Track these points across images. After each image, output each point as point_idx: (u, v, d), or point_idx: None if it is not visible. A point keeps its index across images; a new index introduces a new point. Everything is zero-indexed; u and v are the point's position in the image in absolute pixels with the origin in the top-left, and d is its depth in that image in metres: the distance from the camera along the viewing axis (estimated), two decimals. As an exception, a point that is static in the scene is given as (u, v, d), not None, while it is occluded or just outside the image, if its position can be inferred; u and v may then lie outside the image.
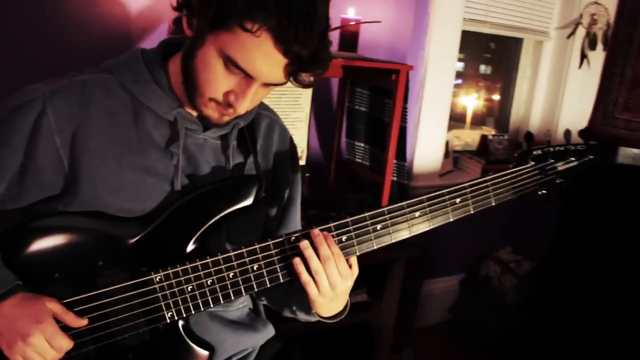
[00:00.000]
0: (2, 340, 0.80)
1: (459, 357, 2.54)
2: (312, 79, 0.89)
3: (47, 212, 0.89)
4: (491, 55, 2.98)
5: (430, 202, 0.97)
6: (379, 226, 0.94)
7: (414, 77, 2.26)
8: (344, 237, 0.92)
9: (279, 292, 1.08)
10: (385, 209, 0.94)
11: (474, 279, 2.81)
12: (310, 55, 0.81)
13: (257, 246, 0.90)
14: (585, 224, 2.69)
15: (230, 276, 0.89)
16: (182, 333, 0.91)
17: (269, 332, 1.12)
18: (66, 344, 0.81)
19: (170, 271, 0.88)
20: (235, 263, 0.89)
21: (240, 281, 0.90)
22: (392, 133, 1.80)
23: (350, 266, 0.92)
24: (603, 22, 2.69)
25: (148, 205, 0.91)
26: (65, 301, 0.85)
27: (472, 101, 2.88)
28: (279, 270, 0.91)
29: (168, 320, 0.89)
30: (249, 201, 0.92)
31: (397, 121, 1.80)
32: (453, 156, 2.69)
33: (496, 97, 3.01)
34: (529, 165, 1.07)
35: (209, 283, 0.89)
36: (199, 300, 0.89)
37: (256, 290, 0.91)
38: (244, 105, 0.87)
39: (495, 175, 1.03)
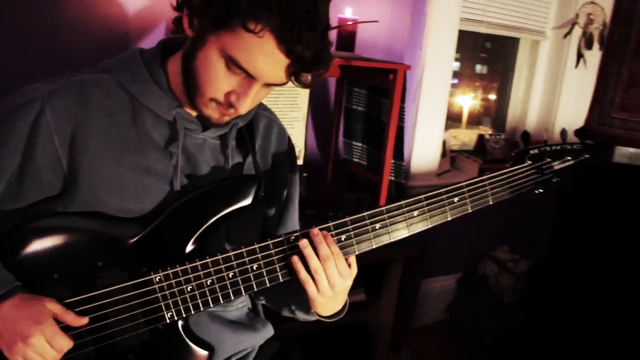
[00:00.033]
0: (2, 342, 0.80)
1: (456, 356, 2.55)
2: (313, 79, 0.90)
3: (46, 213, 0.89)
4: (487, 55, 2.98)
5: (429, 201, 0.97)
6: (377, 225, 0.94)
7: (411, 77, 2.26)
8: (343, 237, 0.93)
9: (278, 292, 1.08)
10: (384, 208, 0.94)
11: (471, 278, 2.82)
12: (313, 55, 0.82)
13: (256, 246, 0.90)
14: (581, 223, 2.70)
15: (230, 276, 0.90)
16: (182, 333, 0.91)
17: (268, 331, 1.12)
18: (66, 344, 0.81)
19: (170, 271, 0.88)
20: (234, 263, 0.89)
21: (239, 281, 0.90)
22: (389, 133, 1.81)
23: (349, 265, 0.93)
24: (599, 22, 2.70)
25: (147, 206, 0.91)
26: (64, 302, 0.85)
27: (468, 101, 2.88)
28: (278, 270, 0.91)
29: (168, 321, 0.89)
30: (248, 201, 0.93)
31: (395, 121, 1.81)
32: (450, 156, 2.69)
33: (492, 96, 3.01)
34: (526, 164, 1.08)
35: (208, 283, 0.89)
36: (199, 301, 0.89)
37: (256, 290, 0.91)
38: (246, 106, 0.87)
39: (492, 175, 1.04)
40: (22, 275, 0.84)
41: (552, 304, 2.49)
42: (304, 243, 0.89)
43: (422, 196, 0.97)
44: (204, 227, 0.91)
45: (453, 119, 2.85)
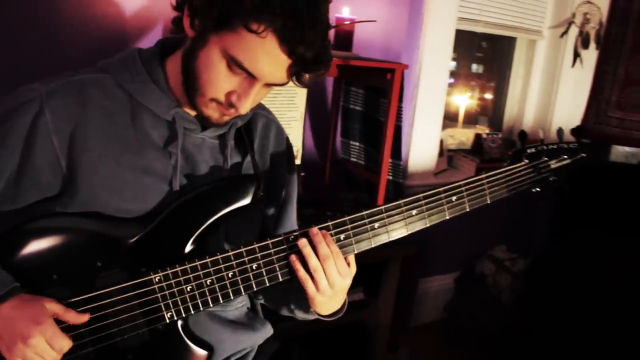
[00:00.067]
0: (1, 343, 0.80)
1: (454, 355, 2.55)
2: (313, 79, 0.90)
3: (45, 213, 0.89)
4: (483, 55, 2.99)
5: (427, 200, 0.98)
6: (376, 224, 0.94)
7: (408, 76, 2.26)
8: (342, 236, 0.93)
9: (277, 291, 1.08)
10: (382, 207, 0.95)
11: (469, 277, 2.82)
12: (314, 56, 0.82)
13: (255, 246, 0.90)
14: (579, 222, 2.71)
15: (230, 276, 0.90)
16: (182, 333, 0.91)
17: (267, 331, 1.12)
18: (66, 344, 0.81)
19: (169, 271, 0.88)
20: (234, 263, 0.89)
21: (239, 281, 0.90)
22: (387, 132, 1.81)
23: (348, 264, 0.93)
24: (596, 21, 2.71)
25: (146, 206, 0.91)
26: (64, 302, 0.85)
27: (465, 100, 2.89)
28: (278, 270, 0.91)
29: (167, 321, 0.89)
30: (247, 201, 0.93)
31: (393, 120, 1.81)
32: (447, 155, 2.70)
33: (489, 96, 3.02)
34: (523, 163, 1.08)
35: (208, 283, 0.89)
36: (199, 300, 0.89)
37: (255, 289, 0.91)
38: (247, 106, 0.87)
39: (490, 174, 1.04)
40: (21, 276, 0.84)
41: (550, 303, 2.49)
42: (302, 242, 0.89)
43: (421, 195, 0.97)
44: (203, 227, 0.91)
45: (449, 119, 2.85)
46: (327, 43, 0.85)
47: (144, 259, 0.89)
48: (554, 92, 2.81)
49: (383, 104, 1.89)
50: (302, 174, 1.97)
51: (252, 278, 0.90)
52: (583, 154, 1.14)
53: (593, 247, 2.47)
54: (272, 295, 1.14)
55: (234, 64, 0.83)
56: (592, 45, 2.75)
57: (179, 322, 0.90)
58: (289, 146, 1.14)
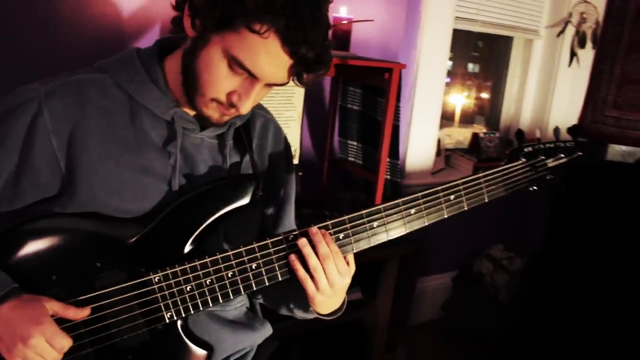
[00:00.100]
0: (1, 344, 0.79)
1: (452, 354, 2.56)
2: (314, 79, 0.90)
3: (43, 214, 0.89)
4: (479, 54, 3.00)
5: (425, 199, 0.98)
6: (375, 224, 0.95)
7: (405, 76, 2.27)
8: (341, 235, 0.93)
9: (276, 291, 1.09)
10: (381, 206, 0.95)
11: (466, 276, 2.83)
12: (316, 56, 0.82)
13: (255, 245, 0.90)
14: (575, 221, 2.72)
15: (229, 275, 0.90)
16: (181, 333, 0.91)
17: (266, 331, 1.12)
18: (67, 343, 0.81)
19: (169, 271, 0.88)
20: (233, 262, 0.90)
21: (239, 280, 0.90)
22: (385, 131, 1.81)
23: (347, 263, 0.93)
24: (592, 21, 2.72)
25: (146, 206, 0.91)
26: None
27: (461, 99, 2.90)
28: (277, 269, 0.91)
29: (167, 321, 0.89)
30: (246, 200, 0.93)
31: (390, 120, 1.81)
32: (445, 154, 2.70)
33: (485, 95, 3.03)
34: (520, 162, 1.09)
35: (207, 283, 0.89)
36: (198, 300, 0.89)
37: (255, 289, 0.91)
38: (248, 106, 0.87)
39: (487, 172, 1.05)
40: (20, 277, 0.84)
41: (547, 302, 2.50)
42: (302, 242, 0.89)
43: (419, 194, 0.98)
44: (203, 227, 0.91)
45: (446, 118, 2.86)
46: (327, 43, 0.85)
47: (144, 259, 0.89)
48: (551, 92, 2.81)
49: (381, 104, 1.89)
50: (300, 173, 1.97)
51: (251, 278, 0.90)
52: (580, 153, 1.15)
53: (590, 246, 2.48)
54: (271, 294, 1.14)
55: (235, 64, 0.83)
56: (589, 44, 2.76)
57: (179, 322, 0.90)
58: (287, 146, 1.14)
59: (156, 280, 0.88)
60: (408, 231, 0.97)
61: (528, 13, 2.70)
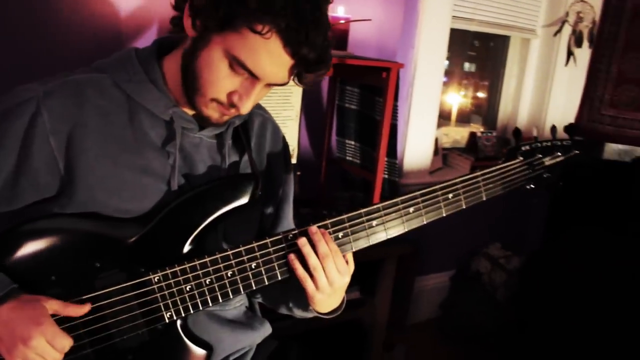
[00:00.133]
0: (1, 345, 0.79)
1: (450, 353, 2.56)
2: (316, 79, 0.90)
3: (42, 214, 0.88)
4: (475, 53, 3.00)
5: (424, 197, 0.98)
6: (374, 222, 0.95)
7: (403, 75, 2.27)
8: (340, 234, 0.93)
9: (276, 290, 1.09)
10: (380, 205, 0.95)
11: (464, 275, 2.83)
12: (317, 56, 0.83)
13: (254, 245, 0.90)
14: (573, 219, 2.73)
15: (229, 275, 0.90)
16: (181, 333, 0.91)
17: (266, 330, 1.12)
18: (68, 343, 0.81)
19: (168, 271, 0.88)
20: (233, 262, 0.90)
21: (238, 280, 0.90)
22: (383, 131, 1.81)
23: (346, 262, 0.93)
24: (589, 20, 2.73)
25: (145, 206, 0.91)
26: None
27: (457, 98, 2.90)
28: (277, 268, 0.91)
29: (167, 321, 0.89)
30: (245, 200, 0.93)
31: (388, 119, 1.81)
32: (442, 153, 2.71)
33: (481, 94, 3.03)
34: (517, 160, 1.09)
35: (207, 282, 0.89)
36: (198, 300, 0.89)
37: (254, 288, 0.91)
38: (248, 106, 0.87)
39: (485, 171, 1.05)
40: (19, 278, 0.83)
41: (544, 300, 2.51)
42: (302, 241, 0.89)
43: (418, 193, 0.98)
44: (202, 226, 0.91)
45: (442, 117, 2.86)
46: (328, 43, 0.85)
47: (143, 259, 0.89)
48: (548, 91, 2.82)
49: (378, 103, 1.90)
50: (298, 173, 1.97)
51: (251, 277, 0.90)
52: (576, 151, 1.16)
53: (587, 244, 2.49)
54: (270, 293, 1.14)
55: (236, 64, 0.83)
56: (585, 43, 2.77)
57: (179, 322, 0.90)
58: (285, 145, 1.14)
59: (156, 280, 0.88)
60: (407, 230, 0.98)
61: (525, 12, 2.70)
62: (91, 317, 0.86)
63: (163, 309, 0.88)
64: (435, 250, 2.68)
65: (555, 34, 2.71)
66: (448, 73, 2.86)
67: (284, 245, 0.91)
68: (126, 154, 0.89)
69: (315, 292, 0.91)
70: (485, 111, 3.06)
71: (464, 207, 1.02)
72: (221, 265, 0.89)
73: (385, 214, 0.95)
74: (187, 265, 0.88)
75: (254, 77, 0.85)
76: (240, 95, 0.87)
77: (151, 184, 0.91)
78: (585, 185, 2.47)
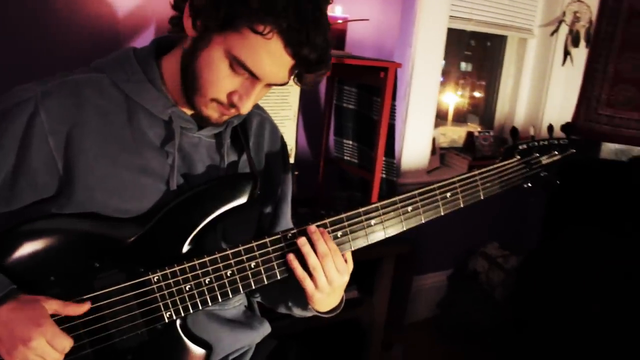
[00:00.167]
0: (1, 347, 0.78)
1: (447, 352, 2.57)
2: (316, 79, 0.91)
3: (41, 215, 0.88)
4: (471, 53, 3.01)
5: (422, 196, 0.99)
6: (373, 221, 0.95)
7: (401, 75, 2.27)
8: (339, 233, 0.93)
9: (275, 289, 1.09)
10: (378, 204, 0.95)
11: (462, 275, 2.84)
12: (317, 57, 0.83)
13: (254, 244, 0.90)
14: (570, 219, 2.74)
15: (228, 274, 0.90)
16: (180, 332, 0.91)
17: (265, 329, 1.12)
18: (68, 343, 0.80)
19: (168, 271, 0.88)
20: (232, 261, 0.90)
21: (238, 279, 0.90)
22: (381, 130, 1.82)
23: (345, 261, 0.93)
24: (585, 20, 2.74)
25: (144, 205, 0.91)
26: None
27: (454, 98, 2.91)
28: (276, 267, 0.91)
29: (167, 320, 0.89)
30: (243, 199, 0.93)
31: (386, 118, 1.82)
32: (440, 153, 2.71)
33: (478, 94, 3.04)
34: (515, 159, 1.10)
35: (206, 282, 0.89)
36: (197, 300, 0.89)
37: (254, 287, 0.91)
38: (248, 106, 0.88)
39: (483, 170, 1.06)
40: (18, 278, 0.83)
41: (542, 299, 2.52)
42: (302, 241, 0.89)
43: (416, 192, 0.98)
44: (201, 226, 0.91)
45: (439, 117, 2.87)
46: (328, 43, 0.86)
47: (142, 259, 0.89)
48: (545, 90, 2.83)
49: (376, 103, 1.90)
50: (296, 172, 1.97)
51: (250, 276, 0.91)
52: (573, 150, 1.16)
53: (584, 244, 2.49)
54: (269, 293, 1.14)
55: (237, 64, 0.83)
56: (582, 43, 2.78)
57: (178, 322, 0.90)
58: (284, 144, 1.15)
59: (155, 280, 0.88)
60: (405, 229, 0.98)
61: (522, 12, 2.71)
62: (91, 317, 0.86)
63: (162, 308, 0.88)
64: (433, 250, 2.68)
65: (552, 34, 2.72)
66: (444, 73, 2.87)
67: (283, 244, 0.91)
68: (125, 154, 0.89)
69: (314, 291, 0.91)
70: (483, 111, 3.06)
71: (461, 206, 1.03)
72: (220, 265, 0.89)
73: (384, 213, 0.96)
74: (186, 265, 0.88)
75: (254, 77, 0.85)
76: (240, 95, 0.87)
77: (150, 183, 0.91)
78: (583, 185, 2.48)
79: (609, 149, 2.83)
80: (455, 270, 2.87)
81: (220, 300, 0.90)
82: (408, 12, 2.23)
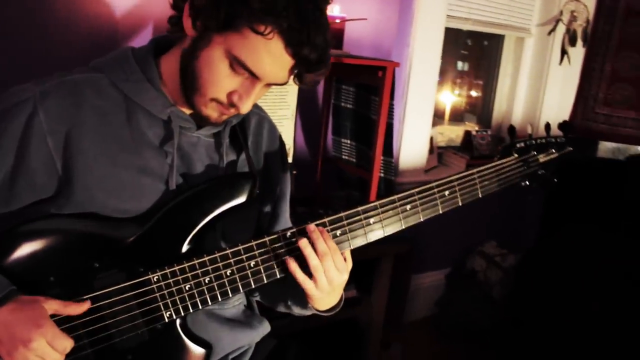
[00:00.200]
0: (2, 348, 0.78)
1: (446, 350, 2.57)
2: (316, 79, 0.91)
3: (40, 215, 0.88)
4: (468, 52, 3.01)
5: (421, 195, 0.99)
6: (371, 220, 0.95)
7: (398, 74, 2.27)
8: (338, 232, 0.94)
9: (274, 288, 1.09)
10: (377, 203, 0.96)
11: (460, 274, 2.84)
12: (318, 57, 0.83)
13: (253, 243, 0.90)
14: (567, 217, 2.74)
15: (228, 274, 0.90)
16: (180, 332, 0.91)
17: (265, 328, 1.12)
18: (69, 344, 0.80)
19: (167, 271, 0.88)
20: (232, 261, 0.90)
21: (237, 278, 0.90)
22: (379, 129, 1.82)
23: (344, 259, 0.94)
24: (582, 19, 2.75)
25: (143, 205, 0.90)
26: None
27: (450, 97, 2.91)
28: (275, 267, 0.92)
29: (167, 320, 0.89)
30: (243, 198, 0.93)
31: (384, 118, 1.82)
32: (437, 152, 2.72)
33: (474, 93, 3.04)
34: (512, 157, 1.10)
35: (206, 281, 0.89)
36: (197, 299, 0.89)
37: (253, 286, 0.91)
38: (248, 105, 0.88)
39: (481, 168, 1.06)
40: (17, 279, 0.83)
41: (540, 297, 2.52)
42: (303, 242, 0.89)
43: (414, 191, 0.98)
44: (200, 225, 0.91)
45: (436, 116, 2.87)
46: (327, 43, 0.86)
47: (142, 259, 0.89)
48: (542, 90, 2.84)
49: (374, 102, 1.90)
50: (294, 172, 1.97)
51: (250, 276, 0.91)
52: (570, 148, 1.17)
53: (581, 242, 2.50)
54: (269, 292, 1.14)
55: (237, 64, 0.83)
56: (579, 42, 2.78)
57: (178, 321, 0.90)
58: (282, 143, 1.15)
59: (155, 279, 0.88)
60: (404, 227, 0.98)
61: (519, 11, 2.72)
62: (90, 317, 0.85)
63: (162, 308, 0.88)
64: (431, 249, 2.69)
65: (550, 33, 2.73)
66: (441, 72, 2.87)
67: (282, 243, 0.91)
68: (124, 154, 0.89)
69: (314, 290, 0.91)
70: (480, 110, 3.07)
71: (460, 204, 1.03)
72: (220, 265, 0.89)
73: (383, 212, 0.96)
74: (186, 265, 0.88)
75: (254, 77, 0.85)
76: (240, 95, 0.87)
77: (149, 183, 0.91)
78: (580, 183, 2.49)
79: (606, 147, 2.84)
80: (454, 269, 2.87)
81: (220, 299, 0.90)
82: (406, 11, 2.24)
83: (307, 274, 0.90)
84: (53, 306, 0.82)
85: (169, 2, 0.91)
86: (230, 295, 0.91)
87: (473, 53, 3.01)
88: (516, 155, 1.11)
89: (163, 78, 0.93)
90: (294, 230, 0.92)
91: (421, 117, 2.42)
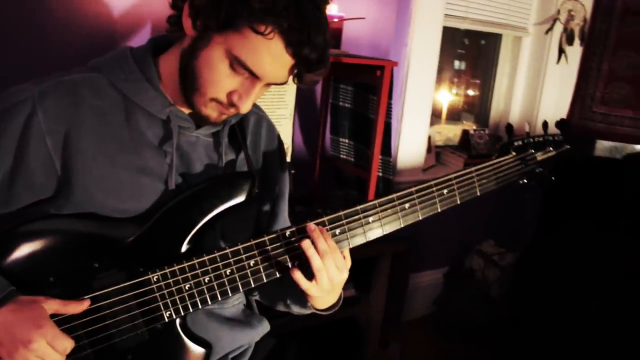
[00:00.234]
0: (2, 349, 0.78)
1: (444, 349, 2.58)
2: (315, 78, 0.91)
3: (39, 216, 0.88)
4: (465, 51, 3.02)
5: (419, 194, 0.99)
6: (370, 219, 0.95)
7: (396, 73, 2.28)
8: (337, 231, 0.94)
9: (273, 287, 1.09)
10: (376, 201, 0.96)
11: (458, 272, 2.85)
12: (318, 56, 0.83)
13: (252, 242, 0.90)
14: (565, 216, 2.75)
15: (227, 273, 0.90)
16: (180, 332, 0.91)
17: (264, 328, 1.12)
18: (69, 345, 0.80)
19: (167, 270, 0.88)
20: (231, 260, 0.90)
21: (237, 278, 0.90)
22: (377, 129, 1.82)
23: (344, 258, 0.94)
24: (580, 18, 2.75)
25: (142, 205, 0.90)
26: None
27: (448, 96, 2.91)
28: (275, 266, 0.92)
29: (166, 320, 0.89)
30: (242, 198, 0.93)
31: (383, 117, 1.82)
32: (435, 151, 2.72)
33: (472, 92, 3.05)
34: (510, 155, 1.11)
35: (206, 281, 0.89)
36: (197, 299, 0.89)
37: (253, 286, 0.91)
38: (248, 105, 0.88)
39: (479, 167, 1.06)
40: (16, 280, 0.83)
41: (538, 296, 2.53)
42: (306, 244, 0.88)
43: (413, 189, 0.99)
44: (200, 225, 0.91)
45: (434, 115, 2.87)
46: (327, 43, 0.86)
47: (142, 259, 0.89)
48: (540, 89, 2.84)
49: (372, 101, 1.90)
50: (292, 171, 1.97)
51: (249, 275, 0.91)
52: (567, 146, 1.17)
53: (579, 241, 2.51)
54: (268, 291, 1.14)
55: (237, 64, 0.83)
56: (577, 41, 2.79)
57: (178, 321, 0.90)
58: (281, 142, 1.15)
59: (154, 279, 0.88)
60: (403, 225, 0.98)
61: (517, 10, 2.72)
62: (90, 317, 0.85)
63: (162, 308, 0.88)
64: (430, 248, 2.69)
65: (547, 32, 2.73)
66: (438, 71, 2.87)
67: (281, 243, 0.91)
68: (123, 154, 0.89)
69: (315, 290, 0.91)
70: (477, 109, 3.07)
71: (458, 202, 1.03)
72: (220, 264, 0.90)
73: (382, 210, 0.96)
74: (185, 265, 0.88)
75: (254, 76, 0.85)
76: (240, 95, 0.87)
77: (148, 183, 0.91)
78: (577, 182, 2.50)
79: (603, 146, 2.85)
80: (452, 268, 2.88)
81: (219, 299, 0.90)
82: (404, 10, 2.24)
83: (309, 273, 0.90)
84: (53, 306, 0.82)
85: (168, 1, 0.91)
86: (230, 294, 0.91)
87: (470, 52, 3.01)
88: (514, 153, 1.11)
89: (162, 78, 0.93)
90: (293, 229, 0.92)
91: (419, 116, 2.42)
